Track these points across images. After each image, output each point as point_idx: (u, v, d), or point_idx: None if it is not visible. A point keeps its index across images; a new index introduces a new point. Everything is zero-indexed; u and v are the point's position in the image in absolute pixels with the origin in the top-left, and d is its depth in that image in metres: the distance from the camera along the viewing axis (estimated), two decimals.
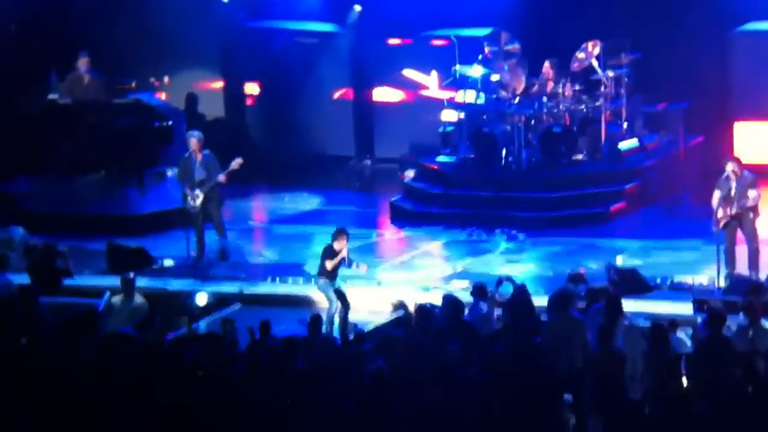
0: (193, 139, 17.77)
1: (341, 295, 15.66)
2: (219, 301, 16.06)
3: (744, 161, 16.21)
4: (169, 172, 18.77)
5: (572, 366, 12.76)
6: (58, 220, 18.91)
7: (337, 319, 15.48)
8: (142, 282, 15.41)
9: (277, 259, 18.18)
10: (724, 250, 15.94)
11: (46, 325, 12.93)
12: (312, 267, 17.26)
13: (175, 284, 16.77)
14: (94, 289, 15.43)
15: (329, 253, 15.68)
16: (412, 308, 14.84)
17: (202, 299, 15.30)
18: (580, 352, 12.93)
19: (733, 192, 15.86)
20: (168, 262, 17.63)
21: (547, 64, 19.87)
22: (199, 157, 17.65)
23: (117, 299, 14.56)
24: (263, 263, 17.98)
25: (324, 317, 14.60)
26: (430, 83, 21.77)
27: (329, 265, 15.59)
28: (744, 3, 20.20)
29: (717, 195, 15.97)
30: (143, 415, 11.30)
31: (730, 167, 15.90)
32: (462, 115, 20.31)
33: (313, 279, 16.46)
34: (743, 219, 15.90)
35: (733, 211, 15.84)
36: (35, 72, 20.75)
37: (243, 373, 12.09)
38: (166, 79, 22.56)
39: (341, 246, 15.65)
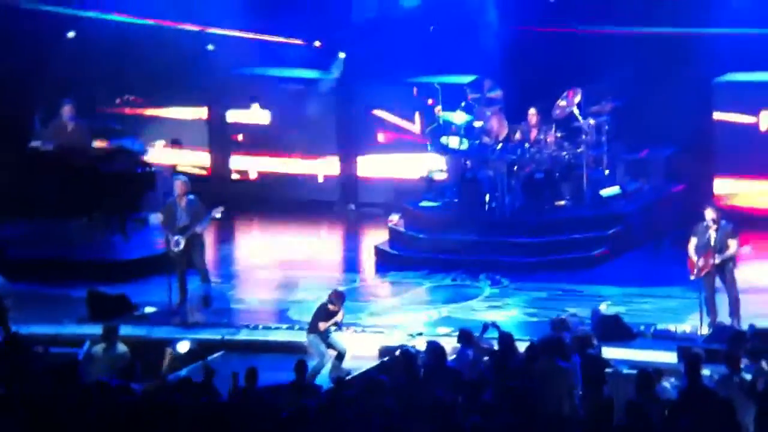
0: (179, 182, 17.66)
1: (334, 346, 15.53)
2: (202, 349, 15.97)
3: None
4: (152, 218, 18.73)
5: (557, 414, 12.74)
6: (41, 266, 18.81)
7: (327, 368, 15.39)
8: (123, 330, 15.32)
9: (261, 305, 18.14)
10: (704, 298, 15.98)
11: (27, 376, 12.87)
12: (296, 313, 17.24)
13: (157, 332, 16.71)
14: (77, 338, 15.38)
15: (323, 313, 15.50)
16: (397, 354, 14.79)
17: (183, 347, 15.21)
18: (566, 400, 12.92)
19: (713, 241, 15.92)
20: (149, 309, 17.57)
21: (532, 110, 20.00)
22: (183, 202, 17.57)
23: (98, 348, 14.49)
24: (247, 309, 17.92)
25: (311, 367, 14.50)
26: (413, 128, 21.84)
27: (322, 326, 15.43)
28: (725, 54, 20.34)
29: (693, 242, 16.05)
30: None
31: (709, 215, 15.97)
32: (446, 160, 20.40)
33: (296, 325, 16.41)
34: (724, 268, 15.95)
35: (716, 261, 15.88)
36: (18, 119, 20.74)
37: (226, 420, 12.02)
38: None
39: (336, 308, 15.51)
